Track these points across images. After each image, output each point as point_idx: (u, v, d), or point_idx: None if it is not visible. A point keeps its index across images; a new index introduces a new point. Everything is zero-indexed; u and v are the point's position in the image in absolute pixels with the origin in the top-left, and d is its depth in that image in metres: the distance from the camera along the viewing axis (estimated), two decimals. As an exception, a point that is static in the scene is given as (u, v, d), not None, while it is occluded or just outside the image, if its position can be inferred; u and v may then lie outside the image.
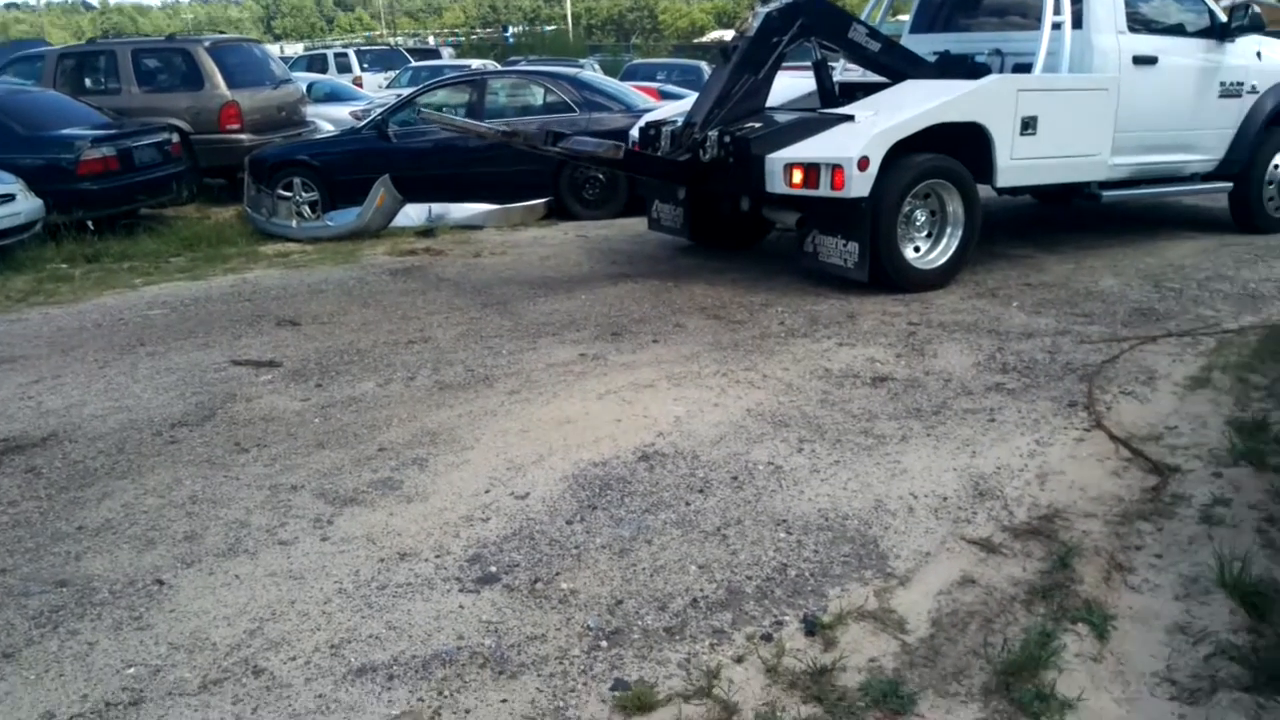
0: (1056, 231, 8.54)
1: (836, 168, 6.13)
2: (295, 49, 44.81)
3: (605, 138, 8.60)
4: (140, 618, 3.09)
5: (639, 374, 5.18)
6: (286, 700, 2.68)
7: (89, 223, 9.26)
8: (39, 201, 8.81)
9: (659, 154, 7.02)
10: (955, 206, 6.71)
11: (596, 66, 22.17)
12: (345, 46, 32.71)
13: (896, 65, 7.43)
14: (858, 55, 7.43)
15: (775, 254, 7.94)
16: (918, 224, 6.67)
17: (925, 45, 8.11)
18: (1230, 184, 8.16)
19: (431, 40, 52.69)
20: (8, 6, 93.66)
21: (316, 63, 25.96)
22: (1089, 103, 7.06)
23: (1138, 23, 7.47)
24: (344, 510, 3.75)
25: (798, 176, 6.29)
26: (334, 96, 17.50)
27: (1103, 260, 7.52)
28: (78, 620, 3.09)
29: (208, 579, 3.31)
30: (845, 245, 6.47)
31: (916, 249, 6.69)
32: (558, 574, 3.26)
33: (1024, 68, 7.14)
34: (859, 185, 6.12)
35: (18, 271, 8.14)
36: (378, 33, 71.21)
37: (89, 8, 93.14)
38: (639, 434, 4.38)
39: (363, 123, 11.15)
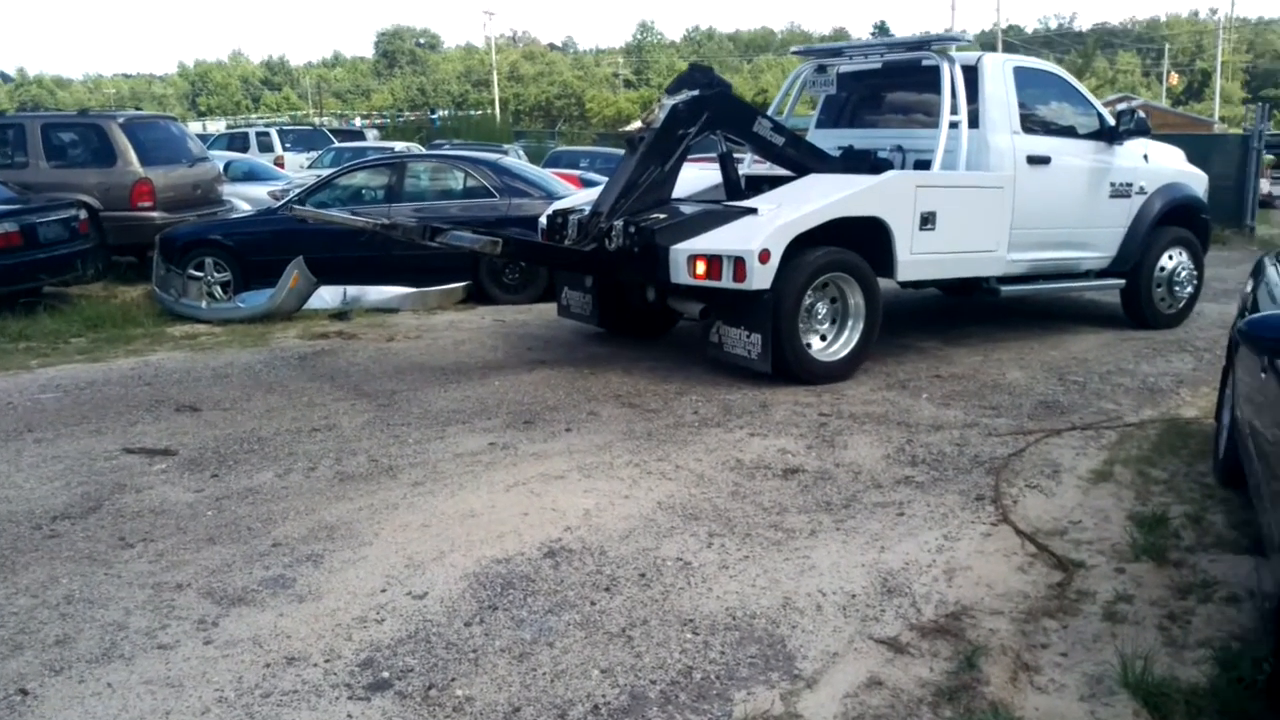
0: (964, 323, 8.74)
1: (738, 260, 6.17)
2: (218, 126, 44.56)
3: (524, 224, 8.62)
4: (-2, 732, 2.87)
5: (550, 464, 5.09)
6: (151, 824, 2.49)
7: (-14, 300, 8.92)
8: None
9: (566, 243, 7.02)
10: (856, 299, 6.77)
11: (520, 152, 22.37)
12: (268, 125, 32.58)
13: (800, 159, 7.55)
14: (762, 149, 7.55)
15: (692, 342, 7.96)
16: (819, 316, 6.70)
17: (831, 140, 8.29)
18: (1123, 280, 8.40)
19: (358, 122, 52.86)
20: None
21: (238, 141, 25.80)
22: (985, 200, 7.26)
23: (1032, 124, 7.71)
24: (231, 610, 3.57)
25: (701, 268, 6.32)
26: (252, 175, 17.34)
27: (1009, 353, 7.69)
28: (-72, 736, 2.86)
29: (77, 687, 3.09)
30: (749, 336, 6.47)
31: (821, 339, 6.73)
32: (453, 679, 3.13)
33: (925, 164, 7.34)
34: (760, 278, 6.17)
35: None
36: (304, 113, 71.24)
37: (7, 79, 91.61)
38: (546, 528, 4.28)
39: (280, 203, 11.02)
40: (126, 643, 3.36)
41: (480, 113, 57.89)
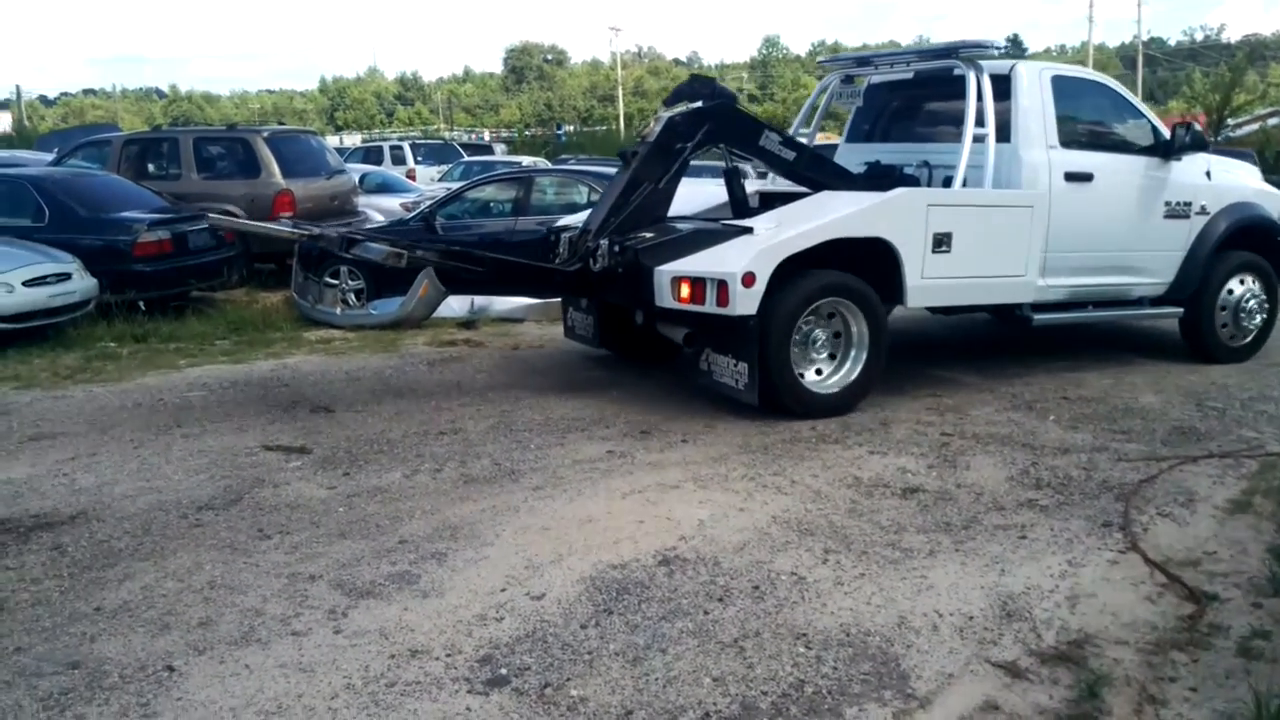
0: (1095, 345, 8.46)
1: (721, 283, 5.73)
2: (354, 140, 46.24)
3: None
4: (147, 704, 3.07)
5: (665, 474, 5.15)
6: (284, 800, 2.63)
7: (140, 303, 9.49)
8: (93, 281, 9.06)
9: (557, 261, 6.70)
10: (859, 327, 6.28)
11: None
12: (401, 139, 33.68)
13: (814, 175, 7.07)
14: (773, 164, 7.08)
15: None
16: (817, 344, 6.23)
17: (860, 156, 7.82)
18: (1181, 309, 7.71)
19: (487, 136, 54.13)
20: (86, 92, 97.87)
21: (372, 154, 26.72)
22: (1012, 220, 6.65)
23: (1072, 138, 7.12)
24: (359, 603, 3.73)
25: (685, 291, 5.92)
26: (386, 188, 17.94)
27: (1143, 375, 7.42)
28: (85, 704, 3.07)
29: (218, 667, 3.28)
30: (735, 365, 6.02)
31: (818, 371, 6.28)
32: (568, 679, 3.20)
33: (949, 181, 6.88)
34: (745, 303, 5.72)
35: (68, 349, 8.33)
36: (435, 127, 73.33)
37: (161, 95, 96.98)
38: (661, 537, 4.33)
39: (411, 214, 11.40)
40: (263, 628, 3.54)
41: (605, 128, 58.64)
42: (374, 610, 3.67)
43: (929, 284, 6.34)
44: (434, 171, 24.53)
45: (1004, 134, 6.81)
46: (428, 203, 11.62)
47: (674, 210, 6.97)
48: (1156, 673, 3.29)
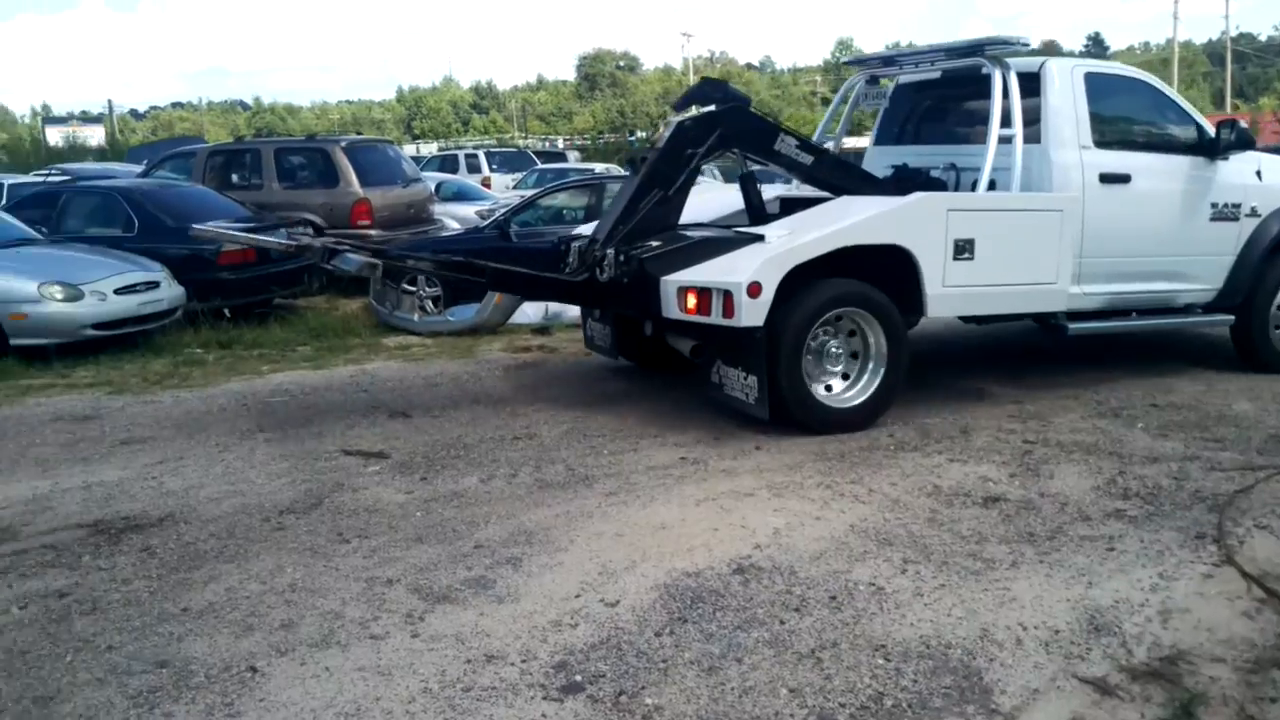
0: (1184, 350, 8.20)
1: (727, 294, 5.55)
2: (430, 149, 46.96)
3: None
4: (231, 704, 3.13)
5: (739, 481, 5.11)
6: (362, 802, 2.65)
7: (225, 310, 9.75)
8: (181, 289, 9.33)
9: (566, 271, 6.52)
10: (877, 339, 6.03)
11: (717, 173, 22.51)
12: (476, 148, 34.12)
13: (834, 179, 6.83)
14: (789, 169, 6.83)
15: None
16: (833, 357, 6.01)
17: (888, 159, 7.61)
18: (1232, 317, 7.32)
19: (560, 143, 54.55)
20: (174, 106, 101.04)
21: (448, 163, 27.09)
22: (1040, 225, 6.30)
23: (1108, 138, 6.78)
24: (436, 607, 3.76)
25: (691, 301, 5.75)
26: (461, 196, 18.17)
27: (1237, 382, 7.15)
28: (173, 703, 3.14)
29: (299, 669, 3.34)
30: (745, 378, 5.80)
31: (834, 384, 6.06)
32: (643, 688, 3.19)
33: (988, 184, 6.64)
34: (751, 314, 5.51)
35: (157, 355, 8.58)
36: (509, 135, 74.13)
37: (245, 107, 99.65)
38: (735, 545, 4.30)
39: (486, 222, 11.52)
40: (342, 631, 3.59)
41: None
42: (450, 615, 3.70)
43: (951, 293, 6.07)
44: (508, 179, 24.76)
45: (1034, 135, 6.55)
46: (502, 210, 11.73)
47: (698, 217, 6.90)
48: (1255, 692, 3.16)
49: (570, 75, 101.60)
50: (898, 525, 4.52)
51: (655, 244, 6.17)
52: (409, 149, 37.89)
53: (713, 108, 6.54)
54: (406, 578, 4.02)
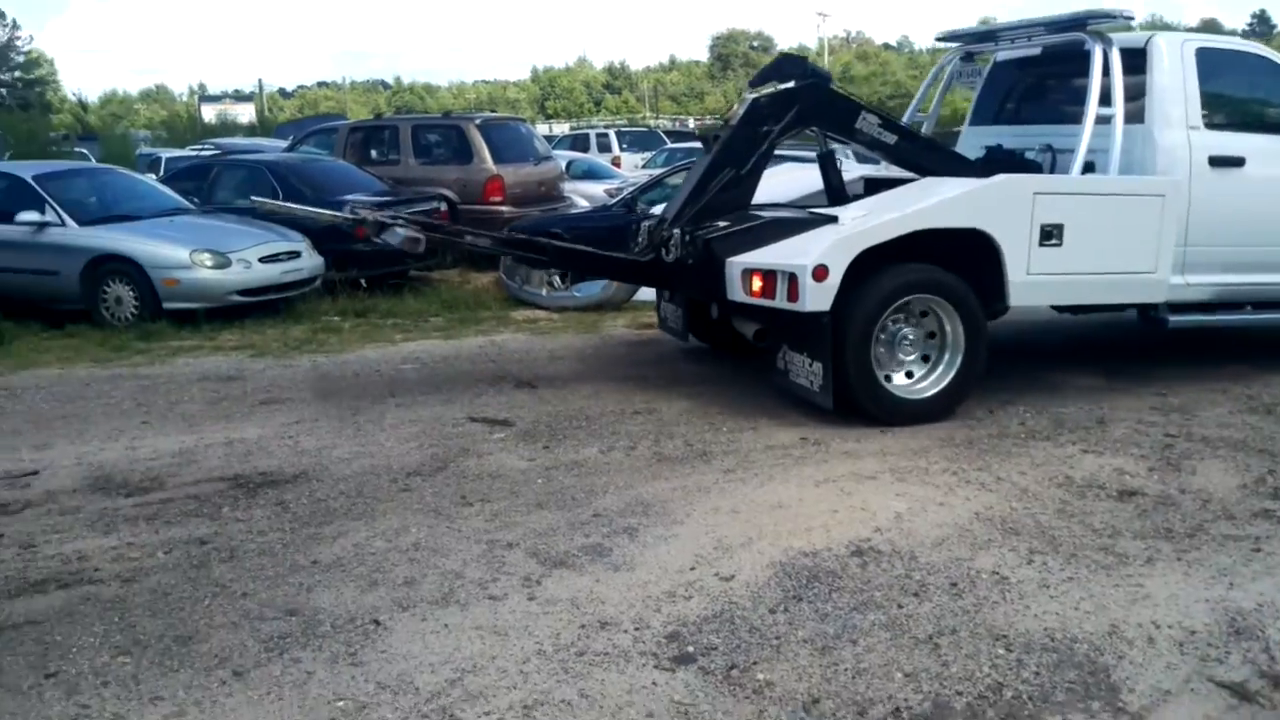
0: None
1: (792, 277, 5.36)
2: (563, 128, 47.47)
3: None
4: (355, 654, 3.24)
5: (861, 464, 5.03)
6: (476, 755, 2.72)
7: (362, 281, 10.08)
8: (320, 259, 9.68)
9: (636, 251, 6.41)
10: (953, 327, 5.74)
11: (850, 153, 22.10)
12: (607, 127, 34.29)
13: (919, 160, 6.53)
14: (872, 148, 6.55)
15: (1017, 351, 7.56)
16: (906, 345, 5.74)
17: (985, 139, 7.24)
18: None
19: (691, 123, 54.41)
20: (319, 85, 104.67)
21: (579, 142, 27.33)
22: (1138, 211, 5.89)
23: (1220, 118, 6.34)
24: (553, 572, 3.82)
25: (757, 284, 5.58)
26: (591, 174, 18.31)
27: (1406, 382, 6.67)
28: (300, 649, 3.28)
29: (419, 624, 3.44)
30: (811, 365, 5.59)
31: (908, 374, 5.79)
32: (755, 663, 3.17)
33: (1085, 166, 6.20)
34: (816, 298, 5.32)
35: (296, 321, 8.94)
36: (641, 115, 74.34)
37: (385, 87, 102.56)
38: (855, 527, 4.23)
39: (614, 200, 11.59)
40: (462, 590, 3.68)
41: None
42: (566, 580, 3.75)
43: (1036, 281, 5.75)
44: (638, 158, 24.83)
45: (1138, 114, 6.17)
46: (630, 188, 11.78)
47: (780, 197, 6.70)
48: None
49: (703, 56, 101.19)
50: (1025, 515, 4.38)
51: (723, 224, 6.03)
52: (541, 128, 38.38)
53: (791, 84, 6.32)
54: (525, 542, 4.10)
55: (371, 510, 4.48)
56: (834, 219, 5.72)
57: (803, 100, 6.26)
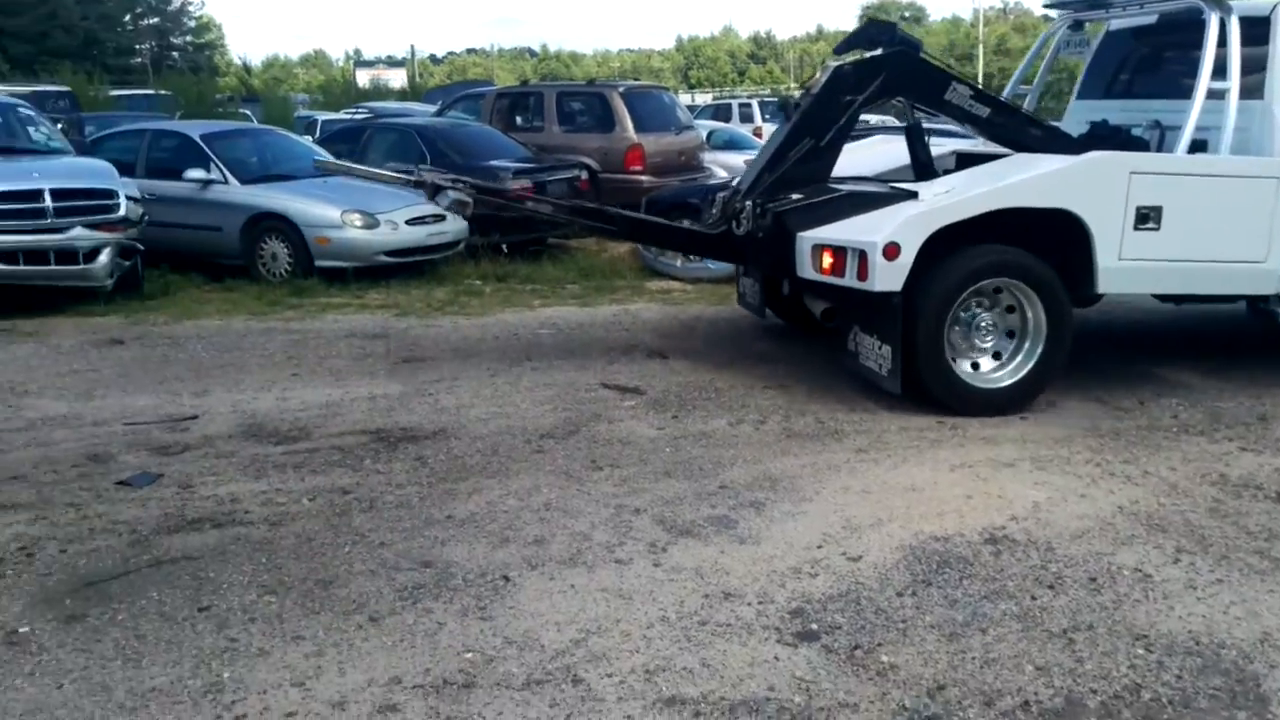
0: None
1: (862, 254, 5.14)
2: (705, 98, 47.19)
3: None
4: (484, 608, 3.34)
5: (999, 450, 4.88)
6: (598, 714, 2.78)
7: (503, 246, 10.28)
8: (464, 223, 9.89)
9: (709, 223, 6.20)
10: (1035, 314, 5.43)
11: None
12: (750, 98, 33.96)
13: (1013, 134, 6.16)
14: (963, 121, 6.21)
15: (1179, 338, 7.20)
16: (983, 331, 5.45)
17: (1093, 113, 6.82)
18: None
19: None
20: (469, 52, 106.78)
21: (721, 111, 27.12)
22: (1249, 194, 5.48)
23: None
24: (679, 540, 3.85)
25: (827, 260, 5.36)
26: (732, 145, 18.15)
27: None
28: (433, 600, 3.39)
29: (547, 583, 3.51)
30: (880, 348, 5.34)
31: (983, 361, 5.50)
32: (880, 645, 3.13)
33: (1195, 144, 5.72)
34: (886, 278, 5.09)
35: (439, 284, 9.19)
36: (785, 86, 73.29)
37: (533, 54, 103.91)
38: (989, 514, 4.12)
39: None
40: (589, 552, 3.75)
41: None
42: (692, 549, 3.77)
43: (1129, 267, 5.38)
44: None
45: (1256, 89, 5.69)
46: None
47: (868, 170, 6.45)
48: None
49: (852, 26, 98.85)
50: (1174, 512, 4.18)
51: (796, 196, 5.79)
52: (684, 98, 38.21)
53: (879, 52, 6.05)
54: (653, 509, 4.13)
55: (505, 469, 4.59)
56: (914, 195, 5.47)
57: (889, 69, 5.98)
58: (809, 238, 5.51)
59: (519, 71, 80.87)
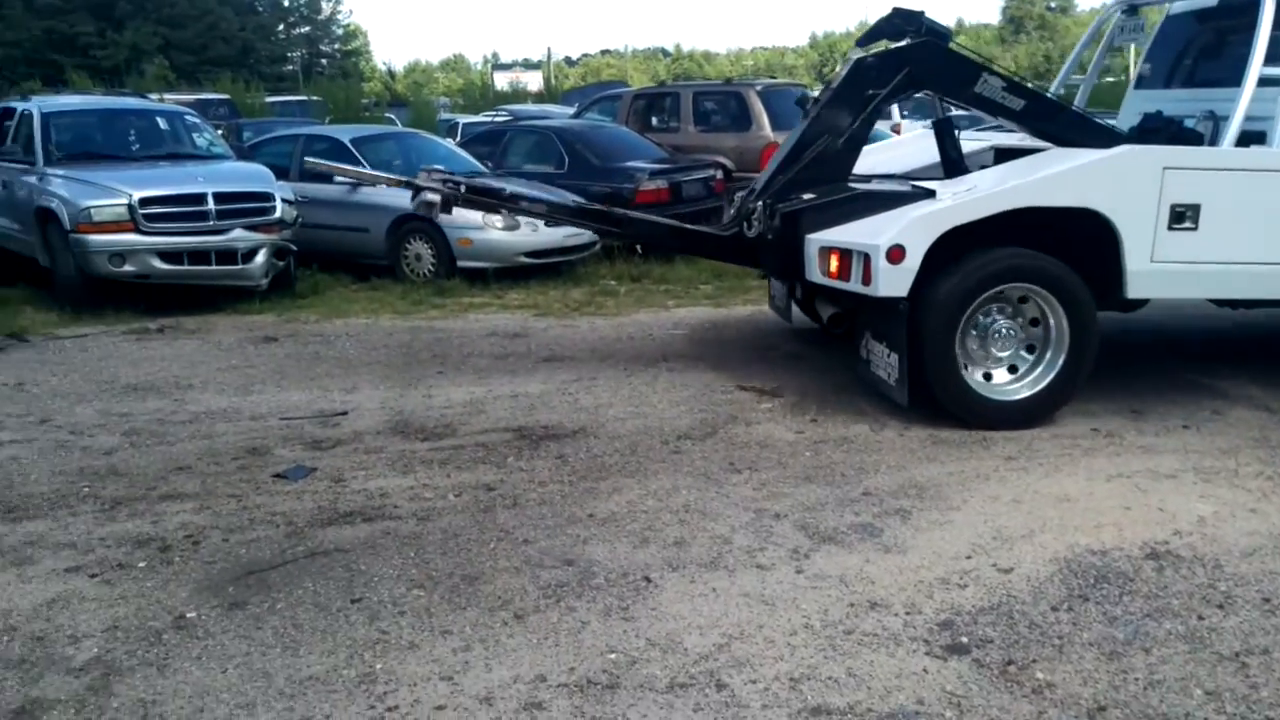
0: None
1: (866, 257, 4.89)
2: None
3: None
4: (627, 609, 3.35)
5: (1159, 461, 4.65)
6: (741, 720, 2.75)
7: (638, 247, 10.34)
8: (600, 224, 10.00)
9: (724, 224, 5.89)
10: (1057, 321, 5.08)
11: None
12: (887, 94, 33.23)
13: (1051, 128, 5.78)
14: (997, 114, 5.84)
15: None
16: (1001, 340, 5.12)
17: (1150, 104, 6.35)
18: None
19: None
20: (602, 53, 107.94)
21: (861, 109, 26.62)
22: None
23: None
24: (821, 547, 3.79)
25: (834, 264, 5.13)
26: (871, 142, 17.81)
27: None
28: (576, 599, 3.43)
29: (689, 585, 3.51)
30: (889, 356, 5.08)
31: (1002, 371, 5.18)
32: (1034, 661, 3.02)
33: (1249, 137, 5.21)
34: (891, 282, 4.83)
35: (576, 284, 9.31)
36: (921, 81, 71.57)
37: (665, 54, 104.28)
38: (1151, 528, 3.92)
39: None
40: (730, 556, 3.72)
41: (1112, 79, 53.64)
42: (835, 556, 3.71)
43: (1162, 270, 5.00)
44: (920, 125, 23.94)
45: None
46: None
47: (902, 168, 6.18)
48: None
49: (994, 18, 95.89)
50: (1357, 531, 3.90)
51: (808, 196, 5.55)
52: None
53: (906, 42, 5.73)
54: (794, 514, 4.08)
55: (644, 469, 4.61)
56: (932, 194, 5.21)
57: (915, 60, 5.68)
58: (817, 240, 5.33)
59: (652, 72, 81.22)
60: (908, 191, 5.45)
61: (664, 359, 6.58)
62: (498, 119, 19.00)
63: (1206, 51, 6.49)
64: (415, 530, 3.99)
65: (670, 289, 9.21)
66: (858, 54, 5.90)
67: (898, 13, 5.80)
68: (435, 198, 6.05)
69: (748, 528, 3.96)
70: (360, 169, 7.63)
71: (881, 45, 5.90)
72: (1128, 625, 3.21)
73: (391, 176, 7.10)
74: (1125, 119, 6.62)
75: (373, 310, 8.34)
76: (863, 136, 5.83)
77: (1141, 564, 3.63)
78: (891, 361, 5.09)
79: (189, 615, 3.37)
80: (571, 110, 17.57)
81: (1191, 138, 5.84)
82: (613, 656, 3.07)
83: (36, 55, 40.88)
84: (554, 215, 6.60)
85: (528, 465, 4.69)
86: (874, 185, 5.84)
